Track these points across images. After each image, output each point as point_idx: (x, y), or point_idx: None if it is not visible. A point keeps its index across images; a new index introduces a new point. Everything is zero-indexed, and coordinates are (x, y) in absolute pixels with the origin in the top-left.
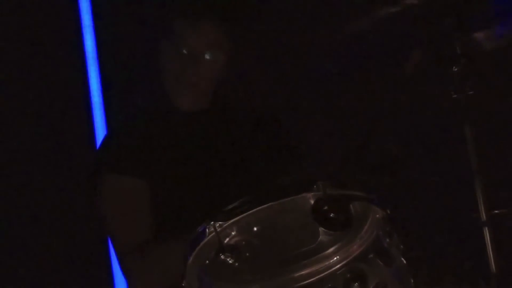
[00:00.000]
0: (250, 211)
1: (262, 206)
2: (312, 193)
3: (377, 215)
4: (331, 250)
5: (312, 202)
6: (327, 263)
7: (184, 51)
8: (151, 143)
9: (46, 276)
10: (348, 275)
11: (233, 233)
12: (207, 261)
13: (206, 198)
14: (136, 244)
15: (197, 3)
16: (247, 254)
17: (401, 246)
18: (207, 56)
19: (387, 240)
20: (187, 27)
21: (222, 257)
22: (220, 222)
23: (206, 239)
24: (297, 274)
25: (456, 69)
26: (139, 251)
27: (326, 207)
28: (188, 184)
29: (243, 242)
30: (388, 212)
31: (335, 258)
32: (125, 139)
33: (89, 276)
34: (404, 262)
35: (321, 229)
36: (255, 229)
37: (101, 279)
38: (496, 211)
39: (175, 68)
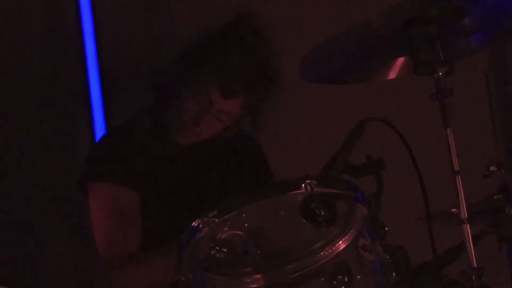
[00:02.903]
0: (242, 208)
1: (254, 203)
2: (301, 191)
3: (362, 213)
4: (318, 245)
5: (300, 200)
6: (314, 257)
7: (208, 105)
8: (142, 154)
9: (48, 277)
10: (334, 269)
11: (225, 229)
12: (201, 255)
13: (194, 208)
14: (121, 254)
15: (231, 81)
16: (239, 248)
17: (384, 242)
18: (223, 119)
19: (371, 236)
20: (220, 96)
21: (215, 251)
22: (213, 218)
23: (200, 234)
24: (285, 268)
25: (437, 75)
26: (124, 262)
27: (313, 205)
28: (177, 194)
29: (235, 237)
30: (372, 209)
31: (322, 253)
32: (116, 148)
33: (90, 277)
34: (387, 257)
35: (308, 225)
36: (246, 225)
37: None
38: (474, 209)
39: (195, 112)
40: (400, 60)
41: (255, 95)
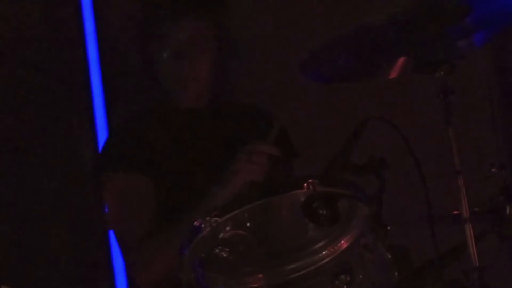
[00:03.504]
0: (244, 207)
1: (256, 203)
2: (303, 191)
3: (364, 212)
4: (320, 244)
5: (302, 199)
6: (316, 257)
7: (173, 50)
8: (152, 140)
9: (48, 276)
10: (336, 269)
11: (227, 228)
12: (203, 254)
13: (206, 192)
14: (139, 238)
15: (174, 2)
16: (241, 248)
17: (386, 242)
18: (194, 51)
19: (373, 235)
20: (169, 26)
21: (217, 250)
22: (215, 218)
23: (202, 233)
24: (287, 267)
25: (438, 74)
26: (142, 243)
27: (315, 204)
28: (189, 179)
29: (237, 237)
30: (374, 209)
31: (324, 252)
32: (127, 136)
33: (90, 277)
34: (389, 256)
35: (310, 224)
36: (248, 224)
37: (102, 279)
38: (476, 209)
39: (170, 69)
40: (402, 60)
41: (203, 16)
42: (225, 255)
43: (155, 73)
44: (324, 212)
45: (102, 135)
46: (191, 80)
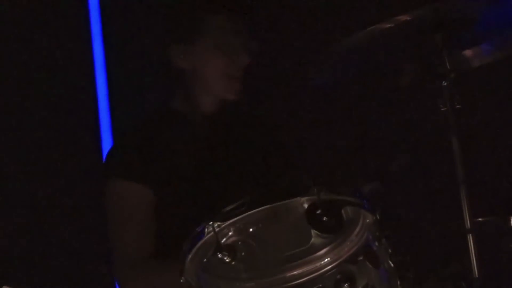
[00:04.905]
0: (247, 213)
1: (259, 209)
2: (306, 197)
3: (367, 220)
4: (322, 251)
5: (306, 205)
6: (318, 264)
7: (226, 46)
8: (155, 150)
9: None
10: (338, 276)
11: (230, 233)
12: (205, 259)
13: (209, 203)
14: (136, 252)
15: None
16: (243, 253)
17: (389, 250)
18: (246, 47)
19: (376, 243)
20: (223, 23)
21: (220, 255)
22: (218, 223)
23: (204, 238)
24: (289, 274)
25: (445, 84)
26: (134, 266)
27: (319, 211)
28: (191, 191)
29: (240, 242)
30: (378, 217)
31: (326, 260)
32: (131, 145)
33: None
34: (392, 265)
35: (313, 231)
36: (251, 230)
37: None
38: (479, 219)
39: (220, 64)
40: (409, 69)
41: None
42: (227, 260)
43: (179, 73)
44: (328, 219)
45: (106, 141)
46: (236, 80)
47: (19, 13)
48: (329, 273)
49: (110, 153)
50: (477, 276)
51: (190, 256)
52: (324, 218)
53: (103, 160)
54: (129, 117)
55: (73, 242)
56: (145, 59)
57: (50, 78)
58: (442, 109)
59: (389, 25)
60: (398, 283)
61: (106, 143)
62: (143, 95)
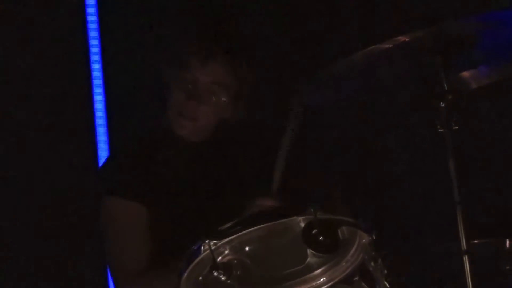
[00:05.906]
0: (243, 232)
1: (255, 227)
2: (303, 217)
3: (363, 240)
4: (318, 271)
5: (302, 225)
6: (314, 283)
7: (190, 86)
8: (150, 168)
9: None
10: None
11: (226, 252)
12: (201, 277)
13: (203, 222)
14: (132, 270)
15: (210, 43)
16: (239, 272)
17: (385, 271)
18: (211, 96)
19: (372, 264)
20: (198, 63)
21: (215, 274)
22: (214, 241)
23: (200, 256)
24: None
25: (443, 105)
26: (135, 277)
27: (315, 231)
28: (185, 209)
29: (235, 261)
30: (374, 237)
31: (322, 279)
32: (126, 163)
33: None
34: (387, 285)
35: (309, 251)
36: (247, 249)
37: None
38: (475, 241)
39: (179, 100)
40: (407, 89)
41: (234, 61)
42: (222, 278)
43: (165, 95)
44: (324, 239)
45: (102, 155)
46: (190, 119)
47: (14, 15)
48: None
49: (105, 169)
50: None
51: (186, 274)
52: (321, 238)
53: (98, 166)
54: (125, 119)
55: (67, 257)
56: (144, 69)
57: (46, 85)
58: (440, 130)
59: (388, 46)
60: None
61: (102, 150)
62: (140, 102)
